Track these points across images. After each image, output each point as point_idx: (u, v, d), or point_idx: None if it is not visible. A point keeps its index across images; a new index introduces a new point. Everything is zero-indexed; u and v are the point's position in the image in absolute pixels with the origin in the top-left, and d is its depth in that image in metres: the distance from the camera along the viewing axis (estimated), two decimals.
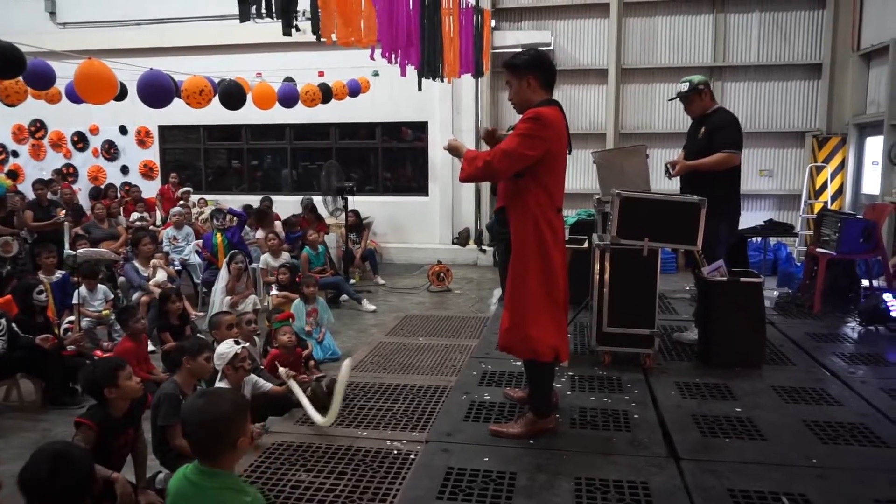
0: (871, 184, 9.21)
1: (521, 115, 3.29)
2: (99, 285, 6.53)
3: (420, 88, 7.43)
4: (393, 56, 6.43)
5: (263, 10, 4.85)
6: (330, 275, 8.45)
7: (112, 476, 3.12)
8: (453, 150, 3.38)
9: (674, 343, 4.96)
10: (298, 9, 5.16)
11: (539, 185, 3.19)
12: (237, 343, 3.95)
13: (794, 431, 3.39)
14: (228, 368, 3.91)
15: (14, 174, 12.70)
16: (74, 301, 6.11)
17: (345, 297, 8.30)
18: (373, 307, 8.09)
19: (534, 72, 3.23)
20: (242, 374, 3.98)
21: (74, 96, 7.05)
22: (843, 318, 5.65)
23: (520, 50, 3.39)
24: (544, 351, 3.24)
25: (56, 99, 8.62)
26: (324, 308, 6.46)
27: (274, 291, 7.21)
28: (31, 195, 9.23)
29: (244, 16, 4.86)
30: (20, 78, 6.24)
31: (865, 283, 6.21)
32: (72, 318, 6.11)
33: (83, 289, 6.34)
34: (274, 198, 10.86)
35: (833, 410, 3.67)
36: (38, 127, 13.07)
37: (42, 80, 6.49)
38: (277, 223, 9.47)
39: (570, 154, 3.35)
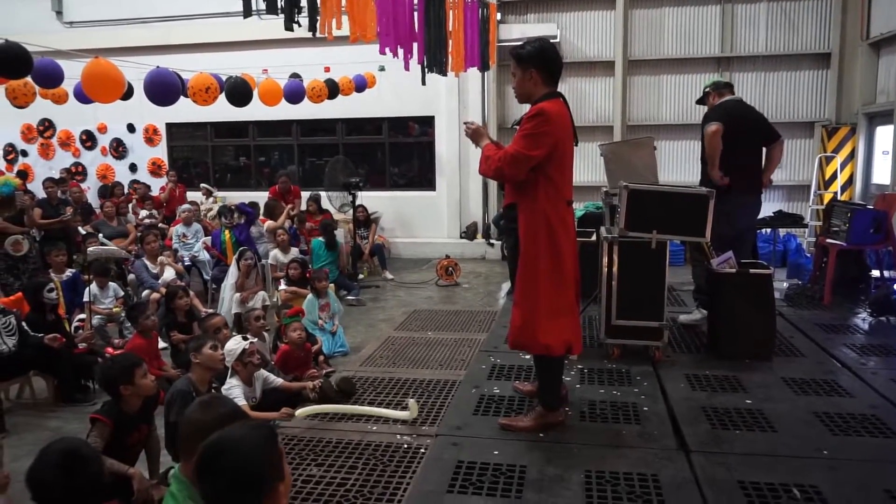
0: (882, 174, 9.15)
1: (522, 104, 3.32)
2: (110, 283, 6.58)
3: (424, 83, 7.41)
4: (399, 50, 6.42)
5: (265, 7, 4.86)
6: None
7: (129, 472, 3.16)
8: (474, 136, 3.40)
9: (682, 335, 4.95)
10: (301, 4, 5.17)
11: (547, 179, 3.18)
12: (245, 339, 3.99)
13: (804, 423, 3.38)
14: (238, 364, 3.95)
15: (24, 174, 12.77)
16: (86, 299, 6.16)
17: (350, 297, 8.27)
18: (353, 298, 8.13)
19: (538, 65, 3.22)
20: (252, 369, 4.01)
21: (82, 96, 7.09)
22: (854, 309, 5.62)
23: (525, 39, 3.37)
24: (557, 346, 3.24)
25: (63, 99, 8.66)
26: (334, 300, 6.49)
27: (282, 287, 7.23)
28: (40, 194, 9.29)
29: (247, 12, 4.87)
30: (28, 78, 6.28)
31: (876, 273, 6.17)
32: (82, 315, 6.15)
33: (94, 286, 6.39)
34: None
35: (844, 402, 3.65)
36: (47, 126, 13.13)
37: (50, 80, 6.52)
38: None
39: (576, 146, 3.35)
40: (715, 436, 3.26)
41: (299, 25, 5.12)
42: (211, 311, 7.29)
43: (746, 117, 4.97)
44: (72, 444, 2.53)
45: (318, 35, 5.31)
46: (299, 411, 3.75)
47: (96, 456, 2.59)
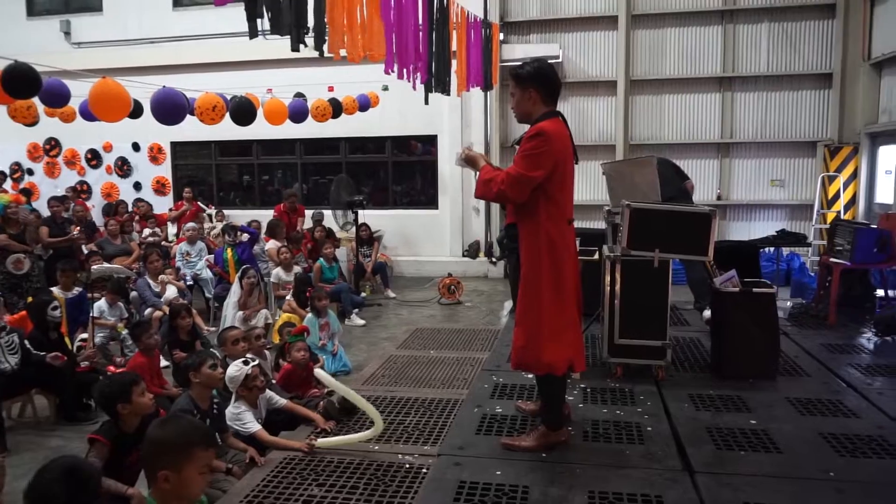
0: (885, 193, 9.15)
1: (521, 124, 3.33)
2: (119, 302, 6.60)
3: (427, 102, 7.45)
4: (404, 71, 6.46)
5: (268, 28, 4.89)
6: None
7: (127, 492, 3.14)
8: (470, 161, 3.38)
9: (686, 354, 4.92)
10: (308, 25, 5.21)
11: (548, 198, 3.18)
12: (246, 363, 3.94)
13: (810, 444, 3.35)
14: (242, 389, 3.90)
15: (28, 192, 12.84)
16: (95, 314, 6.19)
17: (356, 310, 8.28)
18: (362, 322, 8.06)
19: (535, 84, 3.24)
20: (257, 393, 3.97)
21: (88, 114, 7.15)
22: (859, 329, 5.59)
23: (527, 59, 3.39)
24: (560, 365, 3.23)
25: (70, 119, 8.74)
26: (334, 319, 6.48)
27: (288, 297, 7.19)
28: (45, 212, 9.32)
29: (253, 32, 4.90)
30: (34, 98, 6.35)
31: (880, 293, 6.15)
32: (84, 335, 6.14)
33: (103, 302, 6.41)
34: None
35: (850, 422, 3.62)
36: (53, 145, 13.24)
37: (57, 99, 6.58)
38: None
39: (576, 164, 3.35)
40: (719, 456, 3.23)
41: (306, 46, 5.16)
42: (213, 328, 7.32)
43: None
44: (71, 462, 2.53)
45: (326, 55, 5.34)
46: (319, 441, 3.63)
47: (94, 473, 2.58)
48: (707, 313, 5.70)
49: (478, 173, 3.32)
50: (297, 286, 7.18)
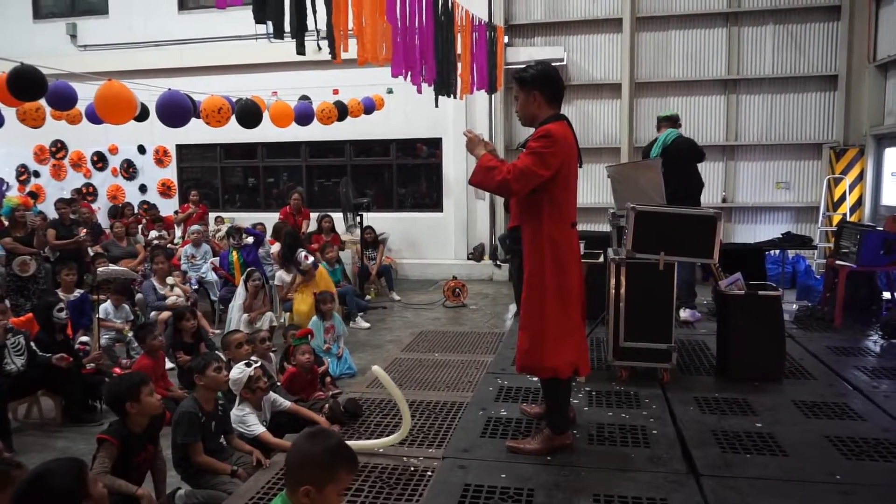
0: (891, 195, 9.12)
1: (526, 127, 3.32)
2: (124, 304, 6.62)
3: (437, 105, 7.45)
4: (409, 74, 6.47)
5: (272, 31, 4.90)
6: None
7: (137, 492, 3.15)
8: (472, 144, 3.33)
9: (691, 357, 4.92)
10: (313, 28, 5.23)
11: (552, 201, 3.18)
12: (248, 365, 3.95)
13: (816, 447, 3.34)
14: (246, 392, 3.91)
15: (34, 195, 12.91)
16: (101, 315, 6.20)
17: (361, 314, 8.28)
18: (367, 324, 8.07)
19: (539, 87, 3.24)
20: (261, 395, 3.98)
21: (94, 117, 7.19)
22: (865, 332, 5.57)
23: (531, 62, 3.39)
24: (564, 369, 3.23)
25: (77, 120, 8.78)
26: (339, 322, 6.48)
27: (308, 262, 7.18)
28: (52, 215, 9.36)
29: (259, 20, 4.88)
30: (41, 101, 6.38)
31: (887, 295, 6.13)
32: (83, 339, 6.16)
33: (109, 304, 6.43)
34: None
35: (856, 425, 3.61)
36: (59, 147, 13.30)
37: (64, 102, 6.61)
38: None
39: (580, 167, 3.35)
40: (725, 459, 3.22)
41: (319, 49, 5.19)
42: (218, 331, 7.34)
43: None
44: (40, 469, 2.42)
45: (332, 58, 5.36)
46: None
47: (64, 476, 2.41)
48: (684, 314, 5.81)
49: (476, 158, 3.27)
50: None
